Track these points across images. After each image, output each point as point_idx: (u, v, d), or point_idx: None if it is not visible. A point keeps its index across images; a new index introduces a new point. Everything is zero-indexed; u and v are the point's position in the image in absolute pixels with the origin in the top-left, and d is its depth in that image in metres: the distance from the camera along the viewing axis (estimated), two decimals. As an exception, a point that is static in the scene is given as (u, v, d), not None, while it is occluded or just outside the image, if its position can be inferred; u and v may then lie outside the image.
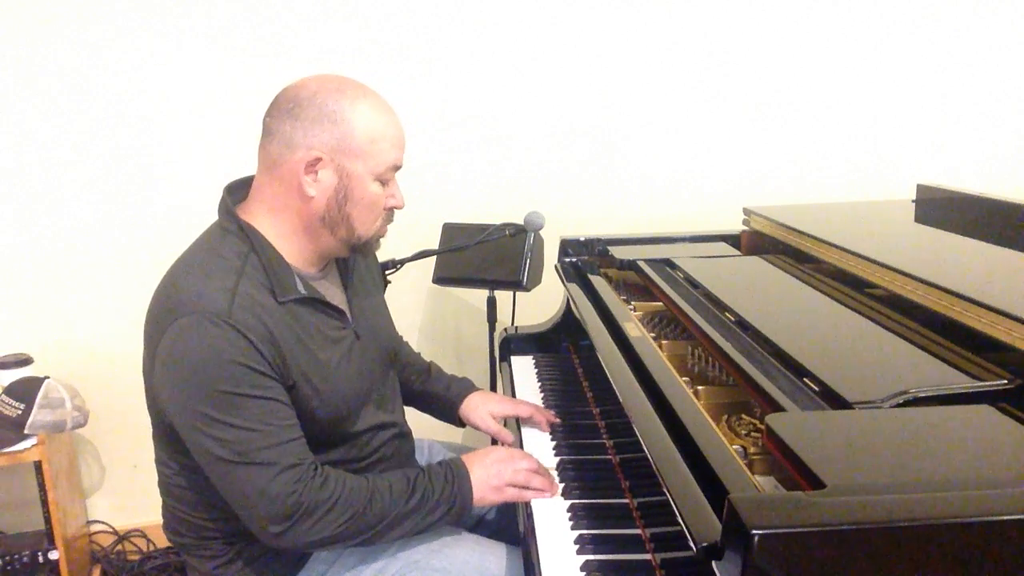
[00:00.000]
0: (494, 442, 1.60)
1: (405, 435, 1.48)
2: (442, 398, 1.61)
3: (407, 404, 1.61)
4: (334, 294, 1.33)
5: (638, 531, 1.20)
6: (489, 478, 1.29)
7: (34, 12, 2.08)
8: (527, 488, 1.31)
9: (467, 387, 1.63)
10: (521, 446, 1.50)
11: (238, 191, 1.29)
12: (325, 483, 1.18)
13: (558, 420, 1.57)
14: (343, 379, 1.28)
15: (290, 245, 1.25)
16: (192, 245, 1.27)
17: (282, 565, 1.31)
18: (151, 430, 1.30)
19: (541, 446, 1.50)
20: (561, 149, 2.45)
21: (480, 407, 1.58)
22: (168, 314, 1.15)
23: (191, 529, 1.32)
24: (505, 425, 1.59)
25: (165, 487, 1.33)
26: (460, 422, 1.61)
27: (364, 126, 1.20)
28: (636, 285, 1.90)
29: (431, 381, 1.63)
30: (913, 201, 2.07)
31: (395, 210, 1.31)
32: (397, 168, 1.27)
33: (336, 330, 1.29)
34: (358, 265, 1.42)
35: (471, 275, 2.08)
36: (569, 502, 1.29)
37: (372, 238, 1.29)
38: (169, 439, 1.26)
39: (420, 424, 1.61)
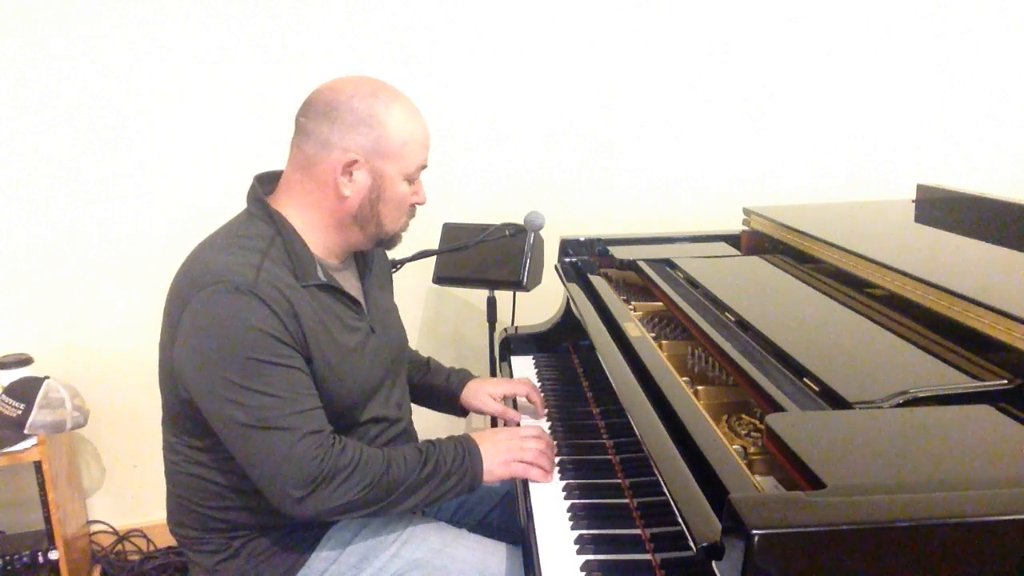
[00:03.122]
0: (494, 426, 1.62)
1: (408, 432, 1.50)
2: (443, 389, 1.64)
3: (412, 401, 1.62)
4: (352, 286, 1.37)
5: (638, 531, 1.20)
6: (498, 453, 1.32)
7: (38, 8, 2.08)
8: (533, 466, 1.33)
9: (465, 376, 1.66)
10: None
11: (267, 183, 1.34)
12: (344, 450, 1.20)
13: (545, 411, 1.62)
14: (358, 365, 1.32)
15: (316, 237, 1.30)
16: (218, 229, 1.31)
17: (284, 561, 1.32)
18: (159, 417, 1.32)
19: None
20: (561, 149, 2.45)
21: (480, 391, 1.62)
22: (193, 285, 1.18)
23: (196, 520, 1.32)
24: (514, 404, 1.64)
25: (172, 475, 1.34)
26: (462, 411, 1.65)
27: (398, 129, 1.26)
28: (636, 285, 1.90)
29: (431, 374, 1.66)
30: (913, 201, 2.07)
31: (417, 206, 1.37)
32: (423, 168, 1.33)
33: (353, 320, 1.33)
34: (375, 263, 1.46)
35: (471, 275, 2.08)
36: (569, 502, 1.29)
37: (398, 233, 1.36)
38: (181, 421, 1.28)
39: (419, 425, 1.61)
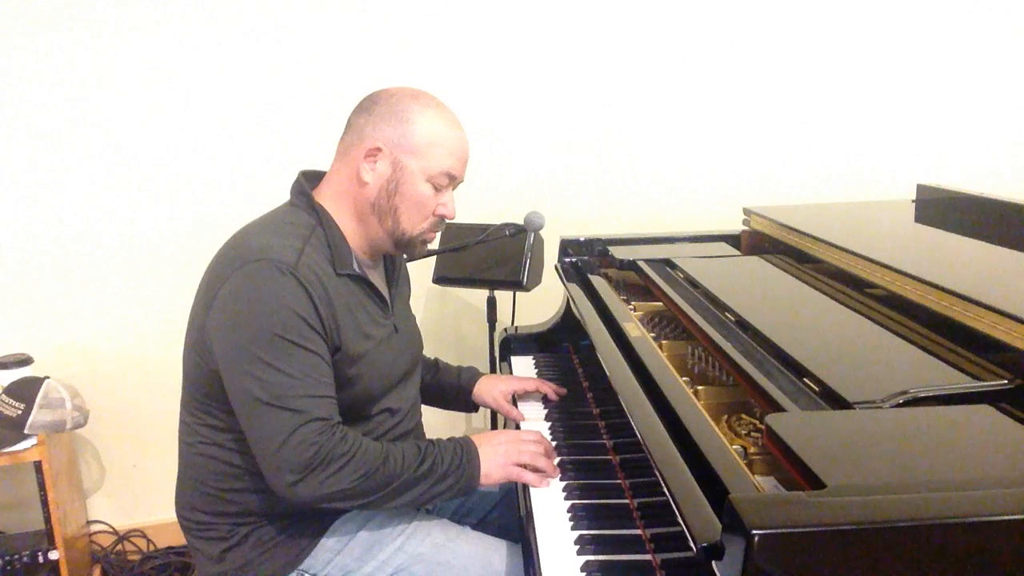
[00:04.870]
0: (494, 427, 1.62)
1: (418, 432, 1.52)
2: (455, 387, 1.68)
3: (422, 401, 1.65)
4: (381, 286, 1.42)
5: (638, 531, 1.20)
6: (496, 456, 1.33)
7: (40, 7, 2.08)
8: (530, 470, 1.34)
9: (475, 373, 1.71)
10: (518, 427, 1.57)
11: (312, 180, 1.38)
12: (344, 439, 1.22)
13: (564, 390, 1.67)
14: (381, 358, 1.35)
15: (348, 229, 1.34)
16: (260, 217, 1.36)
17: (289, 551, 1.32)
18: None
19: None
20: (561, 149, 2.45)
21: (492, 388, 1.67)
22: (236, 261, 1.23)
23: (207, 503, 1.33)
24: (515, 403, 1.67)
25: (186, 457, 1.36)
26: (473, 407, 1.69)
27: (426, 128, 1.30)
28: (636, 285, 1.90)
29: (441, 373, 1.69)
30: (913, 201, 2.07)
31: (445, 219, 1.38)
32: (453, 178, 1.35)
33: (380, 316, 1.37)
34: (400, 275, 1.51)
35: (471, 275, 2.08)
36: (569, 502, 1.29)
37: (416, 238, 1.37)
38: (201, 398, 1.30)
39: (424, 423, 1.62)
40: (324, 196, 1.35)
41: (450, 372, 1.69)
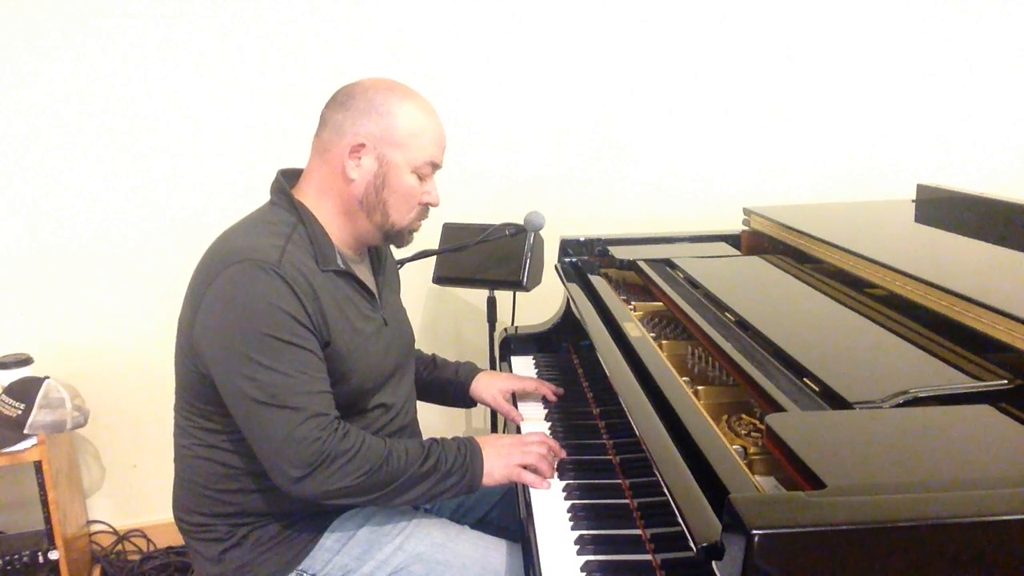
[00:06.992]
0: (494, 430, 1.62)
1: (413, 427, 1.52)
2: (453, 382, 1.68)
3: (418, 397, 1.64)
4: (367, 279, 1.41)
5: (638, 531, 1.20)
6: (500, 457, 1.33)
7: (41, 8, 2.08)
8: (531, 471, 1.34)
9: (473, 369, 1.70)
10: (519, 429, 1.56)
11: (291, 178, 1.38)
12: (347, 435, 1.22)
13: (561, 391, 1.67)
14: (372, 352, 1.35)
15: (332, 226, 1.34)
16: (242, 218, 1.37)
17: (288, 551, 1.32)
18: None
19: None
20: (561, 149, 2.45)
21: (490, 386, 1.66)
22: (220, 263, 1.23)
23: (205, 505, 1.33)
24: (513, 401, 1.67)
25: (182, 460, 1.36)
26: (471, 403, 1.69)
27: (407, 121, 1.30)
28: (636, 285, 1.90)
29: (439, 369, 1.69)
30: (913, 201, 2.07)
31: (430, 207, 1.39)
32: (435, 166, 1.36)
33: (368, 309, 1.37)
34: (387, 265, 1.50)
35: (471, 275, 2.08)
36: (569, 502, 1.29)
37: (404, 229, 1.38)
38: (195, 401, 1.30)
39: (422, 421, 1.61)
40: (305, 194, 1.34)
41: (448, 368, 1.70)
